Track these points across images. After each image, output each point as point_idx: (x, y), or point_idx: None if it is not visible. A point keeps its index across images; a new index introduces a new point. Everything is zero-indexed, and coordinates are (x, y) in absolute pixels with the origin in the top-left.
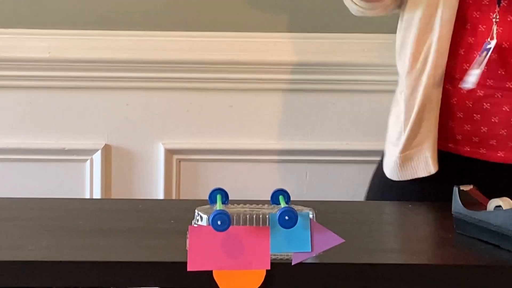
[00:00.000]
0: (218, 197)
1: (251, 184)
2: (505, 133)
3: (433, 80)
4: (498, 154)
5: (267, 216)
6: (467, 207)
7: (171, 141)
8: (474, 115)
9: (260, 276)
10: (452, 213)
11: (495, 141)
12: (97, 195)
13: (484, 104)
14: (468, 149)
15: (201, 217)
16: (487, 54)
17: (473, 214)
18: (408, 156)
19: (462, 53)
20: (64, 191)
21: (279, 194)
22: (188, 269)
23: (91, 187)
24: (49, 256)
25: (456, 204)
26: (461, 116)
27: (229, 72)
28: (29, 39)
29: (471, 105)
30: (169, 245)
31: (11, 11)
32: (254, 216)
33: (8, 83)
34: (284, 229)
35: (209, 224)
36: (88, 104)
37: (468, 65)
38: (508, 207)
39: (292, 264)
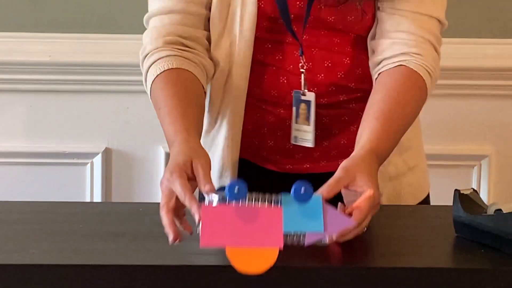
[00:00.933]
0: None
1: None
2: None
3: None
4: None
5: (279, 199)
6: (467, 211)
7: None
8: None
9: (273, 254)
10: (452, 216)
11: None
12: (97, 198)
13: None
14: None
15: (212, 199)
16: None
17: (473, 217)
18: None
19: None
20: (64, 194)
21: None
22: (201, 246)
23: (91, 190)
24: (50, 260)
25: (456, 207)
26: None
27: None
28: (30, 42)
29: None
30: (170, 248)
31: (11, 15)
32: (267, 198)
33: (9, 86)
34: (297, 210)
35: (223, 200)
36: (88, 108)
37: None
38: (508, 211)
39: (305, 245)
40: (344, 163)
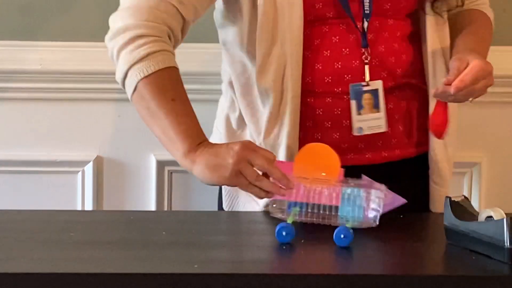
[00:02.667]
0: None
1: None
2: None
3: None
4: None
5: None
6: (458, 218)
7: (163, 153)
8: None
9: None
10: (444, 223)
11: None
12: (88, 206)
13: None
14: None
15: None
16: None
17: (465, 224)
18: None
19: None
20: (55, 202)
21: None
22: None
23: (82, 198)
24: (40, 268)
25: (448, 214)
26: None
27: (219, 83)
28: (21, 51)
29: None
30: (161, 256)
31: (2, 23)
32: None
33: (0, 95)
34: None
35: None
36: (80, 116)
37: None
38: (499, 218)
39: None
40: (454, 56)
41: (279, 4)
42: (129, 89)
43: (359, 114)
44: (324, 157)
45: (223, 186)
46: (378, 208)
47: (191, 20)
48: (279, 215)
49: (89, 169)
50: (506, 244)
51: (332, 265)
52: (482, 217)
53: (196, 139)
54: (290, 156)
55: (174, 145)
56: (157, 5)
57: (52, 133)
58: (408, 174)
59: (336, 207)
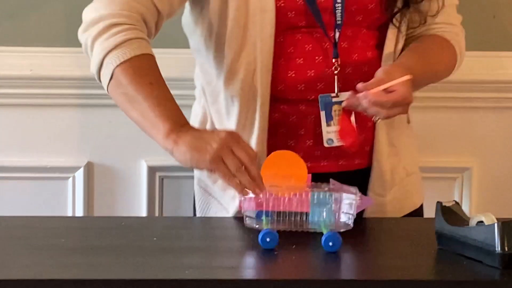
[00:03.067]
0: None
1: None
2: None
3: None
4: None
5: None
6: (449, 223)
7: (153, 158)
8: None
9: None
10: (435, 228)
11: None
12: (79, 212)
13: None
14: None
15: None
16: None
17: (456, 229)
18: None
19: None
20: (46, 209)
21: None
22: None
23: (73, 204)
24: (31, 275)
25: (439, 219)
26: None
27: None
28: (11, 56)
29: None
30: (152, 262)
31: None
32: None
33: None
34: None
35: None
36: (70, 122)
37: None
38: (490, 223)
39: None
40: (384, 67)
41: (252, 10)
42: (105, 78)
43: (329, 125)
44: (291, 164)
45: (196, 194)
46: (350, 211)
47: (166, 15)
48: (253, 225)
49: (79, 175)
50: (497, 249)
51: (318, 270)
52: (473, 222)
53: (178, 120)
54: (257, 163)
55: (154, 127)
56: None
57: (43, 139)
58: None
59: (307, 213)
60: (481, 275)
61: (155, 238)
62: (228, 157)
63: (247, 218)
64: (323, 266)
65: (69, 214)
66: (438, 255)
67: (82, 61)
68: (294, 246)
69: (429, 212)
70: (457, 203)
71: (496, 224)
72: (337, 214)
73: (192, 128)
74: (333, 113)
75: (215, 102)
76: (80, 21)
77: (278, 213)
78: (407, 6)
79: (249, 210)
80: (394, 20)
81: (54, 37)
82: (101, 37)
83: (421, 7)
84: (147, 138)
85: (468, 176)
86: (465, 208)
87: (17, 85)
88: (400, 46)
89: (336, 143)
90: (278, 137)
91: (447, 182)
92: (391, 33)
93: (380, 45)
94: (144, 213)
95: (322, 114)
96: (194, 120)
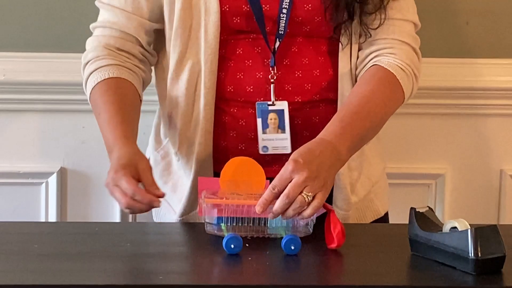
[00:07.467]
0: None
1: None
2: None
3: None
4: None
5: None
6: (423, 229)
7: None
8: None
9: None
10: (408, 234)
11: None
12: (52, 218)
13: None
14: None
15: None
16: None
17: (429, 235)
18: None
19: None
20: (19, 214)
21: None
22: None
23: (46, 210)
24: (4, 280)
25: (412, 225)
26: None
27: None
28: None
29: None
30: (126, 268)
31: None
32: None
33: None
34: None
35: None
36: (43, 127)
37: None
38: (463, 228)
39: None
40: (293, 156)
41: (196, 11)
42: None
43: (264, 132)
44: (249, 170)
45: None
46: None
47: (145, 40)
48: (214, 232)
49: (53, 180)
50: (470, 254)
51: (281, 275)
52: (446, 228)
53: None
54: (202, 164)
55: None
56: (119, 35)
57: (15, 145)
58: None
59: (265, 219)
60: (454, 281)
61: (128, 244)
62: (116, 191)
63: (207, 225)
64: (290, 271)
65: (42, 219)
66: (411, 261)
67: (55, 66)
68: (256, 250)
69: (403, 218)
70: (430, 209)
71: (469, 230)
72: (294, 219)
73: (120, 149)
74: (269, 121)
75: (163, 104)
76: (54, 25)
77: (237, 219)
78: (351, 19)
79: (209, 216)
80: (338, 31)
81: (28, 42)
82: (90, 80)
83: (365, 20)
84: None
85: (441, 182)
86: (439, 214)
87: None
88: (354, 53)
89: (271, 150)
90: (229, 140)
91: (420, 188)
92: (344, 42)
93: (330, 53)
94: (117, 219)
95: (259, 121)
96: (154, 122)
